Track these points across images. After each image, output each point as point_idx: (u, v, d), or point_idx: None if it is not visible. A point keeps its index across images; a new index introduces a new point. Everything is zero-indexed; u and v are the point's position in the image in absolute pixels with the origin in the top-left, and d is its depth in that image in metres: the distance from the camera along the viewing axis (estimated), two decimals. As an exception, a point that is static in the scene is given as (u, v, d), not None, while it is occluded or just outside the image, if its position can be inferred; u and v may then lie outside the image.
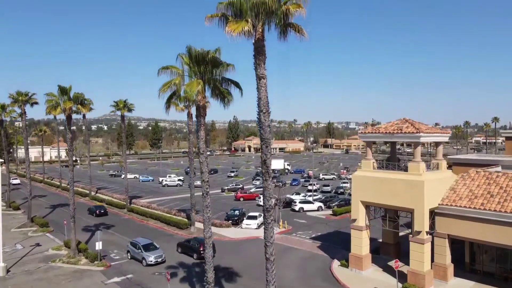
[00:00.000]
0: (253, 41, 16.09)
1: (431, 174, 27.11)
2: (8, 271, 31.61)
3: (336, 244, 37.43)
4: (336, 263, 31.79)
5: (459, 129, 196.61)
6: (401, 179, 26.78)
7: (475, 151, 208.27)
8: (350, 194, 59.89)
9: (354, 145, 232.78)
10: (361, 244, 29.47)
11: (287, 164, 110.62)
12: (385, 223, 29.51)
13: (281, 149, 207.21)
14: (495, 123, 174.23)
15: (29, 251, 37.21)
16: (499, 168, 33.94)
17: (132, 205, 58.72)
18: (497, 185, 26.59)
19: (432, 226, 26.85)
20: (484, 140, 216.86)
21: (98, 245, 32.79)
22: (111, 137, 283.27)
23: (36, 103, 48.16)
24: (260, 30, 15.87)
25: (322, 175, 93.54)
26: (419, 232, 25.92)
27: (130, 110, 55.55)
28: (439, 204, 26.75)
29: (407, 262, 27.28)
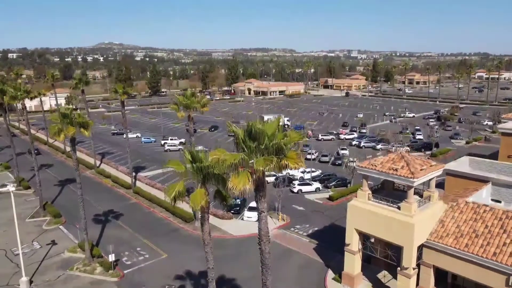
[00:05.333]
0: (254, 178, 16.65)
1: (422, 212, 28.64)
2: (31, 281, 34.68)
3: (332, 245, 40.01)
4: (330, 275, 34.75)
5: (462, 71, 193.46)
6: (392, 217, 28.44)
7: (477, 91, 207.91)
8: (346, 166, 62.42)
9: (354, 86, 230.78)
10: (353, 265, 32.12)
11: (287, 120, 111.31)
12: (376, 250, 31.79)
13: (281, 91, 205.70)
14: (499, 66, 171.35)
15: (47, 252, 40.15)
16: (489, 186, 35.58)
17: (137, 183, 61.23)
18: (483, 222, 28.28)
19: (419, 256, 29.11)
20: (487, 76, 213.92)
21: (111, 257, 35.63)
22: (107, 70, 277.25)
23: (36, 96, 48.07)
24: (261, 168, 16.39)
25: (321, 135, 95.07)
26: (406, 268, 28.27)
27: (129, 95, 55.37)
28: (427, 239, 28.74)
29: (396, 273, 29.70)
